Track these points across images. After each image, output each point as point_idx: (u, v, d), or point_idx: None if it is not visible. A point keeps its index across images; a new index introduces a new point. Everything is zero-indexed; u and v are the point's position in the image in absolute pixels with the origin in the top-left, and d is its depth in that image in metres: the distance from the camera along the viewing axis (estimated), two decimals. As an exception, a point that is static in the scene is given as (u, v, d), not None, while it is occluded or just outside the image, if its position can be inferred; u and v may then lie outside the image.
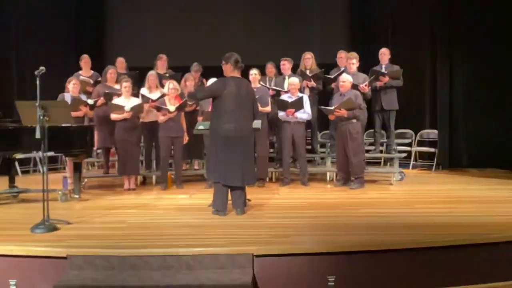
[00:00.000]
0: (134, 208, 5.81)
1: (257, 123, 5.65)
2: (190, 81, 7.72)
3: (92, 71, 8.26)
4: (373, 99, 7.90)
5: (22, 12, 9.72)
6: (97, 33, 11.08)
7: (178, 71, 8.32)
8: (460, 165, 9.06)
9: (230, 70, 5.33)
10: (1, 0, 9.47)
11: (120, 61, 8.51)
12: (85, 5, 10.77)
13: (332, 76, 7.86)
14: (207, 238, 4.31)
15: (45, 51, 9.74)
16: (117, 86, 7.54)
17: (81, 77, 7.83)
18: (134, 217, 5.27)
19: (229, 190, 5.32)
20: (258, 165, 7.25)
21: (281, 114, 7.28)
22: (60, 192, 6.18)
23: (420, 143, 9.48)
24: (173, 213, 5.52)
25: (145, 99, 7.38)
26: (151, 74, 7.63)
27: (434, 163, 9.16)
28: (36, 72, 4.70)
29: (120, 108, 6.89)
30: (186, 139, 7.28)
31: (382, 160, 9.37)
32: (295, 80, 7.35)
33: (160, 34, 10.69)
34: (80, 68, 8.22)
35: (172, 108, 6.97)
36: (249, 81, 6.38)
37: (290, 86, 7.32)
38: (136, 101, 7.09)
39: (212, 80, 6.39)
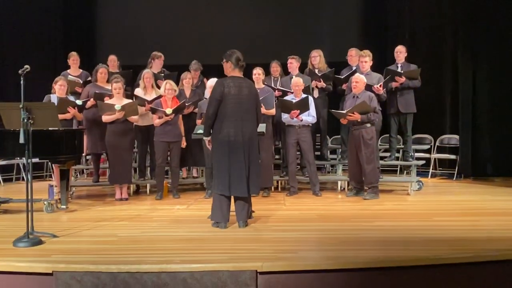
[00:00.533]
0: (126, 220, 5.80)
1: (261, 127, 5.65)
2: (187, 80, 7.73)
3: (81, 70, 8.28)
4: (389, 101, 7.88)
5: (6, 6, 9.76)
6: (87, 28, 11.11)
7: (175, 70, 8.34)
8: (483, 174, 9.05)
9: (230, 69, 5.32)
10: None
11: (112, 59, 8.53)
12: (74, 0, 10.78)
13: (342, 77, 7.86)
14: (206, 253, 4.29)
15: (30, 48, 9.82)
16: (108, 87, 7.55)
17: (70, 77, 7.85)
18: (126, 229, 5.25)
19: (232, 200, 5.31)
20: (262, 173, 7.24)
21: (284, 117, 7.28)
22: (45, 202, 6.17)
23: (440, 150, 9.47)
24: (168, 225, 5.50)
25: (140, 100, 7.39)
26: (147, 73, 7.66)
27: (455, 172, 9.15)
28: (20, 71, 4.70)
29: (110, 108, 6.89)
30: (184, 144, 7.28)
31: (399, 168, 9.37)
32: (299, 80, 7.36)
33: (156, 30, 10.73)
34: (68, 67, 8.24)
35: (169, 110, 6.98)
36: (252, 81, 6.36)
37: (294, 87, 7.33)
38: (130, 101, 7.09)
39: (212, 80, 6.40)
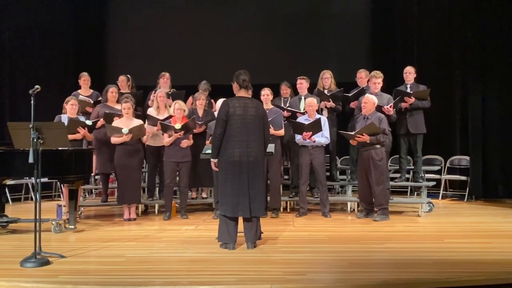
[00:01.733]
0: (134, 240, 5.78)
1: (270, 147, 5.63)
2: (201, 100, 7.74)
3: (92, 90, 8.32)
4: (398, 122, 7.86)
5: (17, 26, 9.92)
6: (98, 49, 11.20)
7: (183, 90, 8.39)
8: (495, 195, 8.96)
9: (237, 90, 5.35)
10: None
11: (122, 80, 8.58)
12: (85, 20, 10.93)
13: (350, 94, 7.85)
14: (214, 275, 4.25)
15: (41, 68, 9.92)
16: (118, 107, 7.59)
17: (80, 97, 7.88)
18: (134, 250, 5.23)
19: (242, 220, 5.28)
20: (271, 193, 7.24)
21: (298, 138, 7.26)
22: (53, 222, 6.17)
23: (451, 171, 9.40)
24: (177, 246, 5.48)
25: (152, 120, 7.42)
26: (160, 92, 7.70)
27: (466, 193, 9.07)
28: (30, 91, 4.74)
29: (118, 131, 6.93)
30: (190, 142, 7.24)
31: (409, 189, 9.30)
32: (313, 100, 7.35)
33: (166, 50, 10.82)
34: (79, 87, 8.29)
35: (178, 126, 6.99)
36: (261, 101, 6.35)
37: (308, 107, 7.31)
38: (138, 122, 7.12)
39: (221, 101, 6.42)
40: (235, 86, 5.36)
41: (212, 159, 5.40)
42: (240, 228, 5.29)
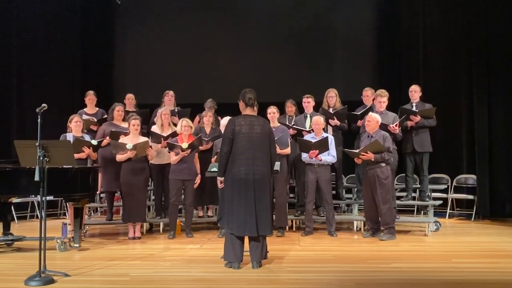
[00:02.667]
0: (139, 259, 5.75)
1: (276, 165, 5.61)
2: (207, 118, 7.76)
3: (97, 109, 8.37)
4: (404, 140, 7.84)
5: (25, 44, 10.04)
6: (105, 67, 11.29)
7: (187, 108, 8.43)
8: (502, 215, 8.89)
9: (243, 108, 5.39)
10: (2, 31, 9.78)
11: (129, 98, 8.65)
12: (92, 38, 11.02)
13: (358, 113, 7.86)
14: (219, 295, 4.22)
15: (48, 87, 9.99)
16: (124, 125, 7.62)
17: (84, 117, 7.89)
18: (138, 269, 5.20)
19: (247, 239, 5.24)
20: (277, 212, 7.21)
21: (304, 156, 7.25)
22: (58, 241, 6.16)
23: (457, 190, 9.35)
24: (181, 265, 5.44)
25: (156, 137, 7.43)
26: (165, 110, 7.73)
27: (473, 212, 9.00)
28: (37, 110, 4.77)
29: (122, 147, 6.94)
30: (197, 182, 7.25)
31: (415, 208, 9.24)
32: (320, 118, 7.35)
33: (172, 69, 10.90)
34: (85, 105, 8.33)
35: (185, 145, 6.99)
36: (267, 120, 6.34)
37: (314, 125, 7.31)
38: (144, 140, 7.13)
39: (226, 119, 6.44)
40: (241, 104, 5.39)
41: (218, 177, 5.39)
42: (246, 247, 5.25)
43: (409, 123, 7.71)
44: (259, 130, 5.26)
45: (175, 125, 7.68)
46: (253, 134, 5.22)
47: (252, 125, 5.25)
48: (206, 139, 7.51)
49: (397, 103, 8.19)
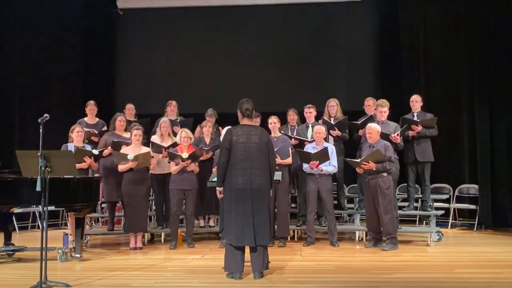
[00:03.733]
0: (140, 269, 5.74)
1: (277, 175, 5.62)
2: (207, 128, 7.76)
3: (97, 119, 8.35)
4: (406, 150, 7.83)
5: (27, 54, 10.08)
6: (106, 77, 11.29)
7: (190, 118, 8.44)
8: (505, 225, 8.86)
9: (241, 118, 5.43)
10: (5, 40, 9.83)
11: (130, 108, 8.65)
12: (94, 49, 11.03)
13: (359, 122, 7.86)
14: (220, 305, 4.21)
15: (50, 96, 10.03)
16: (125, 135, 7.63)
17: (85, 129, 7.86)
18: (139, 279, 5.20)
19: (248, 250, 5.24)
20: (278, 222, 7.20)
21: (305, 166, 7.24)
22: (59, 251, 6.15)
23: (459, 199, 9.32)
24: (183, 275, 5.42)
25: (157, 147, 7.44)
26: (164, 121, 7.73)
27: (476, 222, 8.97)
28: (39, 120, 4.79)
29: (123, 157, 6.94)
30: (196, 170, 7.22)
31: (417, 218, 9.22)
32: (321, 128, 7.34)
33: (174, 80, 10.91)
34: (85, 115, 8.34)
35: (185, 155, 7.00)
36: (266, 129, 6.33)
37: (315, 135, 7.30)
38: (145, 150, 7.14)
39: (226, 129, 6.45)
40: (239, 114, 5.45)
41: (217, 188, 5.39)
42: (248, 257, 5.24)
43: (411, 133, 7.71)
44: (256, 139, 5.26)
45: (176, 135, 7.68)
46: (251, 143, 5.23)
47: (250, 135, 5.26)
48: (206, 148, 7.51)
49: (399, 113, 8.19)
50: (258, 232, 5.14)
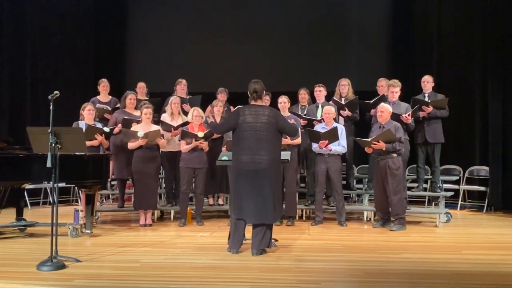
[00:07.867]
0: (149, 246, 5.80)
1: (285, 155, 5.61)
2: (218, 107, 7.73)
3: (110, 97, 8.36)
4: (416, 131, 7.79)
5: (38, 33, 10.10)
6: (118, 55, 11.31)
7: (198, 95, 8.45)
8: (514, 207, 8.80)
9: (250, 99, 5.45)
10: (17, 20, 9.84)
11: (141, 86, 8.64)
12: (105, 27, 11.06)
13: (371, 102, 7.80)
14: (228, 282, 4.24)
15: (62, 74, 10.07)
16: (136, 113, 7.64)
17: (98, 105, 7.89)
18: (148, 256, 5.24)
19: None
20: (286, 201, 7.21)
21: (314, 146, 7.23)
22: (70, 227, 6.22)
23: (469, 181, 9.28)
24: (191, 252, 5.47)
25: (167, 126, 7.45)
26: (175, 99, 7.73)
27: (485, 204, 8.94)
28: (49, 97, 4.80)
29: (133, 134, 6.96)
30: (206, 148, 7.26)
31: (426, 199, 9.20)
32: (330, 108, 7.29)
33: (185, 58, 10.89)
34: (98, 93, 8.35)
35: (201, 134, 7.00)
36: (276, 109, 6.31)
37: (325, 115, 7.26)
38: (156, 128, 7.15)
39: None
40: (249, 95, 5.45)
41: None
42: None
43: (421, 114, 7.66)
44: (264, 119, 5.26)
45: (186, 113, 7.68)
46: (258, 123, 5.24)
47: (257, 115, 5.27)
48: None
49: (410, 93, 8.12)
50: (259, 210, 5.19)
